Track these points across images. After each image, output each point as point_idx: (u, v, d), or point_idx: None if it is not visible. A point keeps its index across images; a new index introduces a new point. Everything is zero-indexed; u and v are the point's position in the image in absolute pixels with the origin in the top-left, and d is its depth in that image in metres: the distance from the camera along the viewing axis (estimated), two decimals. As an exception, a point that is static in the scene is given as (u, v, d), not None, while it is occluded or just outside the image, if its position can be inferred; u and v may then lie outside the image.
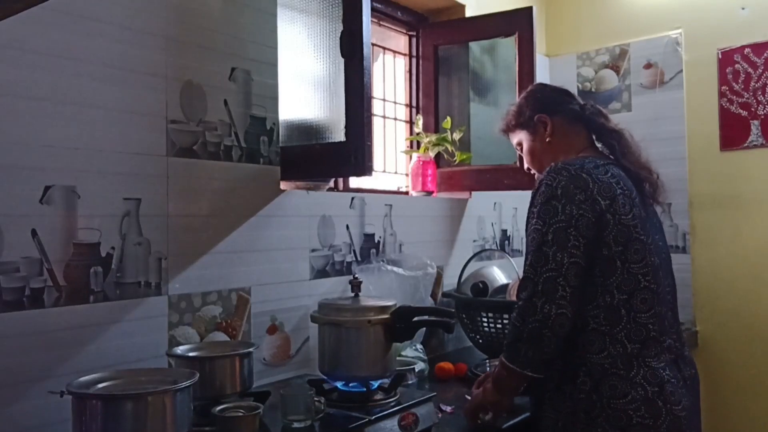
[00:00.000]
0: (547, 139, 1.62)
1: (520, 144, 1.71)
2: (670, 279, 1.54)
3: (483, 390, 1.53)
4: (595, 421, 1.36)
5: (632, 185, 1.50)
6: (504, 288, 2.30)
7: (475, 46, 2.81)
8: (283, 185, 1.94)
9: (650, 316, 1.41)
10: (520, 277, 1.46)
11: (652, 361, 1.39)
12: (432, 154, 2.59)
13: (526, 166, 1.72)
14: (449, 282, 2.54)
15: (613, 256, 1.40)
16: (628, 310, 1.40)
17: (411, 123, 2.76)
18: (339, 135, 1.77)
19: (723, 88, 2.89)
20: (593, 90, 3.25)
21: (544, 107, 1.64)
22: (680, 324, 1.55)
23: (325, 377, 1.65)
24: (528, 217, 1.48)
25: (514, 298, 2.12)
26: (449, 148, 2.59)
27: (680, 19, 3.01)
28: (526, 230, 1.48)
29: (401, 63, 2.79)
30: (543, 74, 3.23)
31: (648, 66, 3.10)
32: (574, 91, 3.20)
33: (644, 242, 1.43)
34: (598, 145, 1.63)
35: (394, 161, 2.73)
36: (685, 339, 1.53)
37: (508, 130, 1.73)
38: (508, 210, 3.01)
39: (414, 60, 2.80)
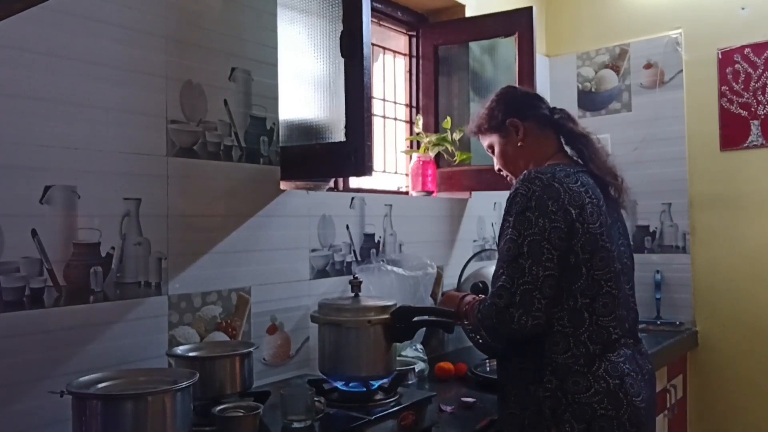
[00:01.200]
0: (519, 144, 1.64)
1: (491, 147, 1.72)
2: (633, 282, 1.59)
3: (457, 313, 1.65)
4: (561, 417, 1.40)
5: (600, 192, 1.53)
6: (504, 288, 2.29)
7: (475, 46, 2.81)
8: (283, 185, 1.94)
9: (611, 320, 1.45)
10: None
11: (612, 356, 1.44)
12: (432, 154, 2.59)
13: (497, 167, 1.73)
14: (449, 282, 2.54)
15: (580, 263, 1.43)
16: (591, 313, 1.44)
17: (411, 123, 2.76)
18: (339, 135, 1.77)
19: (723, 88, 2.89)
20: (593, 90, 3.25)
21: (515, 111, 1.65)
22: (638, 323, 1.60)
23: (325, 377, 1.65)
24: (503, 223, 1.50)
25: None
26: (449, 148, 2.59)
27: (680, 19, 3.01)
28: (500, 233, 1.51)
29: (401, 63, 2.79)
30: (543, 74, 3.23)
31: (648, 66, 3.10)
32: (574, 91, 3.27)
33: (609, 250, 1.47)
34: (567, 148, 1.66)
35: (394, 161, 2.73)
36: (640, 336, 1.58)
37: (479, 132, 1.73)
38: (508, 210, 3.01)
39: (414, 60, 2.80)
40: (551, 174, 1.47)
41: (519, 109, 1.66)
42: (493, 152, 1.72)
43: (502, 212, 1.52)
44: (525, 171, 1.52)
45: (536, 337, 1.43)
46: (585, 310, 1.43)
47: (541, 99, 1.71)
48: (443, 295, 1.76)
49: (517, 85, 1.83)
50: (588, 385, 1.40)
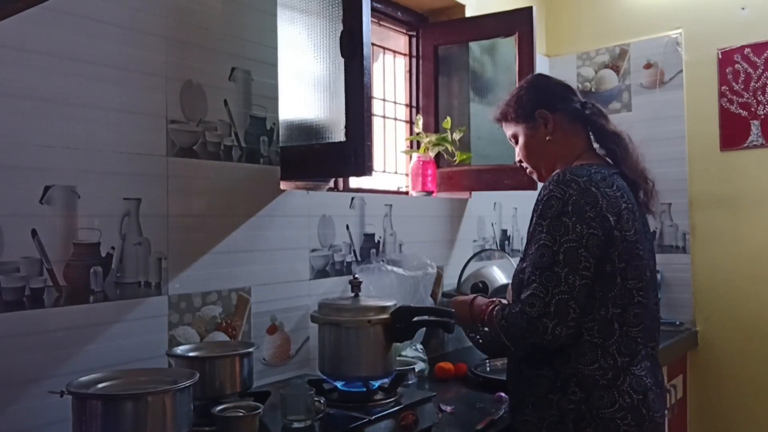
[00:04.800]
0: (547, 138, 1.56)
1: (515, 136, 1.63)
2: (656, 289, 1.55)
3: (471, 317, 1.59)
4: (584, 431, 1.37)
5: (632, 196, 1.47)
6: (504, 288, 2.29)
7: (475, 46, 2.81)
8: (283, 185, 1.94)
9: (640, 330, 1.42)
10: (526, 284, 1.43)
11: (636, 369, 1.41)
12: (432, 154, 2.59)
13: (517, 159, 1.65)
14: (449, 282, 2.54)
15: (615, 272, 1.39)
16: (621, 324, 1.40)
17: (411, 123, 2.76)
18: (339, 135, 1.77)
19: (723, 88, 2.89)
20: (593, 90, 3.25)
21: (545, 102, 1.56)
22: (659, 333, 1.56)
23: (325, 377, 1.65)
24: (533, 225, 1.43)
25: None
26: (449, 148, 2.59)
27: (680, 19, 3.01)
28: (530, 237, 1.44)
29: (401, 63, 2.79)
30: (543, 74, 3.23)
31: (648, 66, 3.10)
32: (574, 91, 3.25)
33: (642, 258, 1.43)
34: (596, 146, 1.59)
35: (394, 161, 2.73)
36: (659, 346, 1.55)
37: (504, 120, 1.64)
38: (508, 210, 3.01)
39: (414, 60, 2.80)
40: (588, 177, 1.40)
41: (550, 100, 1.56)
42: (516, 142, 1.63)
43: (532, 213, 1.45)
44: (558, 171, 1.44)
45: (561, 347, 1.39)
46: (615, 321, 1.39)
47: (573, 91, 1.62)
48: (452, 300, 1.68)
49: (548, 75, 1.72)
50: (612, 400, 1.37)
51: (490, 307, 1.50)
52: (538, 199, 1.44)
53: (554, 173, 1.46)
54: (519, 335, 1.39)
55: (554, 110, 1.56)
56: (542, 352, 1.42)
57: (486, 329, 1.60)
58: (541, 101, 1.57)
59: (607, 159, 1.56)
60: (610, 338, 1.39)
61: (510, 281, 2.26)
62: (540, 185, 1.53)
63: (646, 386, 1.40)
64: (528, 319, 1.36)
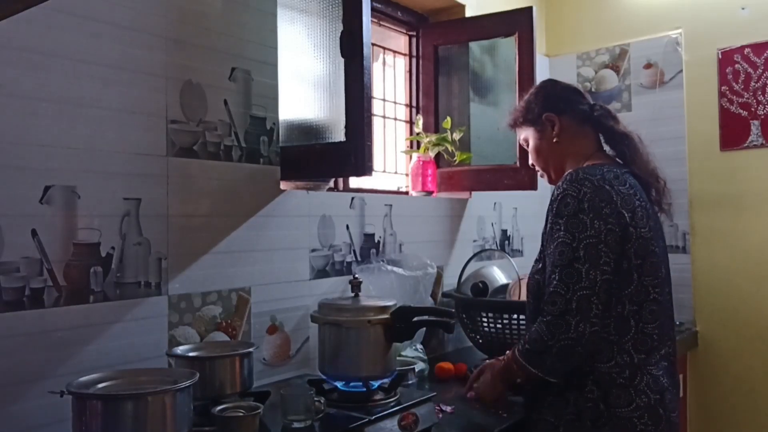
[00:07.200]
0: (555, 140, 1.59)
1: (526, 140, 1.68)
2: (670, 287, 1.56)
3: (493, 386, 1.57)
4: (601, 429, 1.37)
5: (645, 194, 1.49)
6: (504, 288, 2.29)
7: (475, 46, 2.81)
8: (283, 185, 1.94)
9: (655, 327, 1.43)
10: (521, 277, 1.45)
11: (653, 369, 1.41)
12: (432, 154, 2.59)
13: (530, 162, 1.70)
14: (449, 282, 2.54)
15: (632, 269, 1.39)
16: (637, 321, 1.40)
17: (411, 123, 2.76)
18: (339, 135, 1.77)
19: (723, 88, 2.89)
20: (593, 90, 3.25)
21: (552, 105, 1.61)
22: (675, 331, 1.56)
23: (325, 377, 1.65)
24: (550, 225, 1.44)
25: (514, 298, 2.12)
26: (449, 148, 2.59)
27: (680, 19, 3.01)
28: (548, 236, 1.45)
29: (401, 63, 2.79)
30: (543, 74, 3.22)
31: (648, 66, 3.10)
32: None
33: (657, 254, 1.44)
34: (606, 147, 1.61)
35: (394, 161, 2.73)
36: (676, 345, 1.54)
37: (516, 125, 1.70)
38: (508, 210, 3.01)
39: (414, 60, 2.80)
40: (601, 175, 1.42)
41: (557, 104, 1.61)
42: (527, 146, 1.68)
43: (547, 213, 1.46)
44: (571, 171, 1.47)
45: (587, 348, 1.38)
46: (632, 318, 1.40)
47: (581, 94, 1.66)
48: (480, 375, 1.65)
49: (557, 80, 1.76)
50: (629, 399, 1.37)
51: (509, 353, 1.48)
52: (552, 198, 1.46)
53: (566, 173, 1.48)
54: (542, 348, 1.38)
55: (561, 113, 1.60)
56: (576, 365, 1.39)
57: (519, 380, 1.52)
58: (548, 105, 1.61)
59: (617, 159, 1.58)
60: (626, 335, 1.39)
61: (510, 281, 2.28)
62: (550, 187, 1.56)
63: (663, 386, 1.40)
64: (549, 321, 1.36)
